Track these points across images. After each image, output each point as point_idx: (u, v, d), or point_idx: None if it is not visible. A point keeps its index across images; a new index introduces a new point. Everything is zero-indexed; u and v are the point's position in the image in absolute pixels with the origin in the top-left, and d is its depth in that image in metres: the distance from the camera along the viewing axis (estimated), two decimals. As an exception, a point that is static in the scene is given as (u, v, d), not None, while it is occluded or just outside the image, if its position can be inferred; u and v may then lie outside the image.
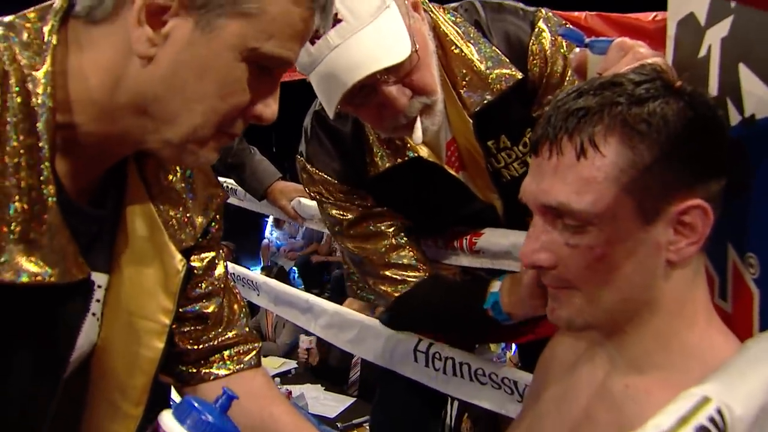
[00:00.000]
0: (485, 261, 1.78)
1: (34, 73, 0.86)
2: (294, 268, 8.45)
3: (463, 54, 1.58)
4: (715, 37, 1.08)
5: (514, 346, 3.70)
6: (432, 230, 1.88)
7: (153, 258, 1.07)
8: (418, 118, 1.46)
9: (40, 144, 0.86)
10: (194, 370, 1.26)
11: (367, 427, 3.88)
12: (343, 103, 1.42)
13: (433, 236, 1.89)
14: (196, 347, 1.24)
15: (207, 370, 1.26)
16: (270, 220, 9.46)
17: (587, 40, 1.18)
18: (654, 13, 2.41)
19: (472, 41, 1.59)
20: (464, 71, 1.58)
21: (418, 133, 1.47)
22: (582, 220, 0.92)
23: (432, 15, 1.60)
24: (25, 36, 0.88)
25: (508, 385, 1.83)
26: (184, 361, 1.25)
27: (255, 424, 1.25)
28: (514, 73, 1.56)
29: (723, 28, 1.05)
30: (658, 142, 0.89)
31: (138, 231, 1.06)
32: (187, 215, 1.13)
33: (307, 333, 4.44)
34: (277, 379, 4.88)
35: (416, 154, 1.62)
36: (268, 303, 2.94)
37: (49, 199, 0.87)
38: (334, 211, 1.73)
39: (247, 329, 1.31)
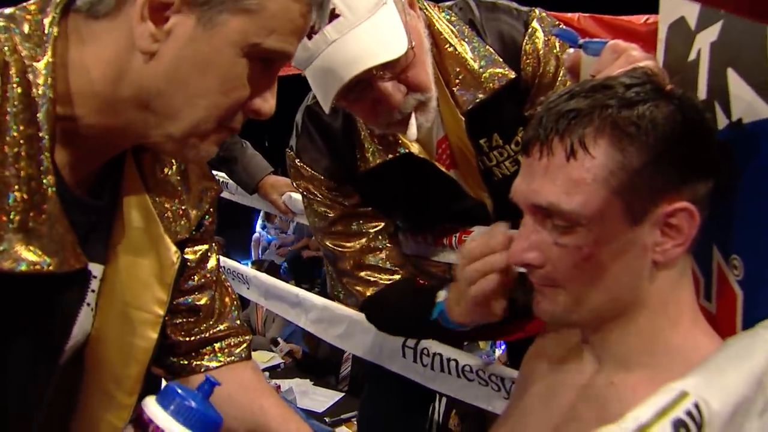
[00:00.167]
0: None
1: (35, 64, 0.87)
2: (284, 263, 8.43)
3: (456, 52, 1.59)
4: (704, 41, 1.09)
5: (503, 343, 3.70)
6: (421, 226, 1.89)
7: (148, 249, 1.08)
8: (413, 115, 1.47)
9: (41, 134, 0.86)
10: (185, 362, 1.27)
11: (355, 422, 3.88)
12: (339, 98, 1.43)
13: (422, 233, 1.90)
14: (187, 339, 1.25)
15: (198, 362, 1.27)
16: (261, 214, 9.43)
17: (581, 41, 1.19)
18: (646, 16, 2.41)
19: (466, 40, 1.60)
20: (457, 69, 1.59)
21: (412, 129, 1.47)
22: (571, 220, 0.94)
23: (427, 13, 1.61)
24: (26, 27, 0.89)
25: (496, 382, 1.84)
26: (176, 353, 1.26)
27: (244, 416, 1.26)
28: (506, 72, 1.57)
29: (712, 32, 1.07)
30: (647, 145, 0.90)
31: (134, 222, 1.07)
32: (182, 208, 1.14)
33: (297, 327, 4.46)
34: (266, 373, 4.88)
35: (407, 150, 1.63)
36: (258, 297, 2.95)
37: (49, 189, 0.88)
38: (318, 208, 1.74)
39: (238, 322, 1.32)
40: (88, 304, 1.05)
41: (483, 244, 1.23)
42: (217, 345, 1.28)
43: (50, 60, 0.88)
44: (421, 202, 1.75)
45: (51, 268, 0.88)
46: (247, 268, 3.19)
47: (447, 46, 1.59)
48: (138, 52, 0.88)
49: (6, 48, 0.86)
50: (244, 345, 1.32)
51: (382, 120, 1.50)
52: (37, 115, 0.86)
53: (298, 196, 2.47)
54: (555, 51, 1.59)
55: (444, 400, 3.27)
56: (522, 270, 1.08)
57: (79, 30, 0.91)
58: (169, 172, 1.13)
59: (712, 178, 0.95)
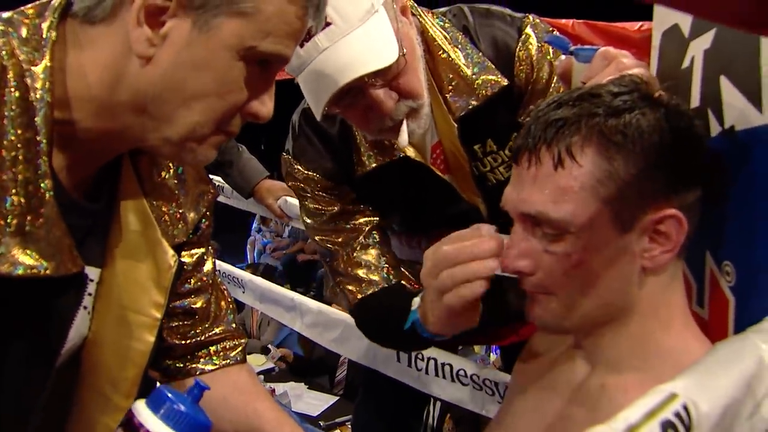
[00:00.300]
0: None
1: (32, 68, 0.87)
2: (279, 265, 8.43)
3: (450, 59, 1.59)
4: (698, 48, 1.10)
5: (497, 348, 3.70)
6: (416, 230, 1.89)
7: (146, 253, 1.08)
8: (404, 121, 1.47)
9: (38, 138, 0.87)
10: (181, 365, 1.27)
11: (350, 426, 3.88)
12: (331, 105, 1.43)
13: (417, 237, 1.90)
14: (183, 342, 1.25)
15: (193, 365, 1.27)
16: (257, 217, 9.43)
17: (572, 47, 1.19)
18: (640, 23, 2.43)
19: (459, 46, 1.60)
20: (451, 76, 1.59)
21: (403, 136, 1.48)
22: (559, 228, 0.95)
23: (420, 19, 1.61)
24: (23, 32, 0.89)
25: (490, 386, 1.85)
26: (172, 356, 1.26)
27: (239, 419, 1.26)
28: (499, 79, 1.57)
29: (706, 40, 1.07)
30: (633, 153, 0.91)
31: (131, 226, 1.07)
32: (180, 211, 1.14)
33: (292, 332, 4.45)
34: (261, 377, 4.87)
35: (404, 154, 1.64)
36: (253, 300, 2.95)
37: (46, 193, 0.88)
38: (312, 205, 1.73)
39: (233, 325, 1.33)
40: (85, 308, 1.05)
41: (462, 250, 1.12)
42: (212, 348, 1.29)
43: (48, 64, 0.88)
44: (417, 206, 1.75)
45: (48, 271, 0.88)
46: (242, 272, 3.19)
47: (440, 52, 1.59)
48: (134, 56, 0.88)
49: (4, 52, 0.86)
50: (240, 348, 1.33)
51: (373, 126, 1.50)
52: (35, 119, 0.86)
53: (293, 201, 2.47)
54: (548, 57, 1.59)
55: (438, 404, 3.28)
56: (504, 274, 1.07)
57: (76, 35, 0.91)
58: (167, 176, 1.13)
59: (701, 186, 0.96)
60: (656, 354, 0.97)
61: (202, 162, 1.00)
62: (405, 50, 1.42)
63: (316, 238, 1.75)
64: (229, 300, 1.34)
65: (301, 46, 1.33)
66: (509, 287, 1.20)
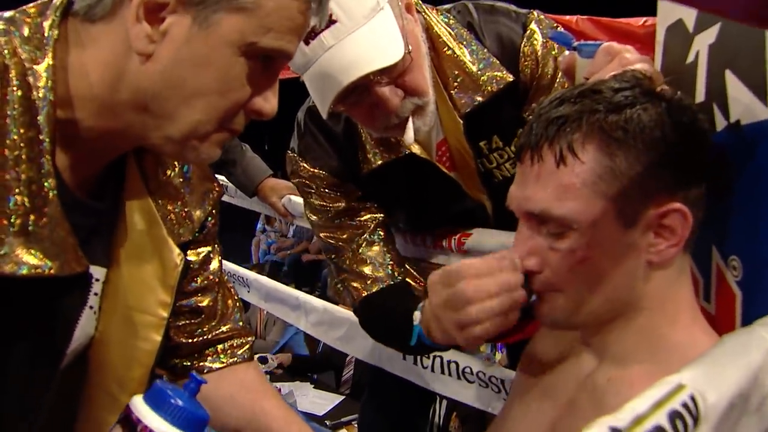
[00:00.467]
0: (473, 261, 1.78)
1: (35, 67, 0.86)
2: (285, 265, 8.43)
3: (455, 55, 1.59)
4: (703, 43, 1.10)
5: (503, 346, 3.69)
6: (422, 228, 1.89)
7: (151, 252, 1.08)
8: (410, 119, 1.47)
9: (41, 137, 0.86)
10: (188, 364, 1.27)
11: (356, 426, 3.88)
12: (337, 103, 1.43)
13: (422, 234, 1.90)
14: (190, 341, 1.25)
15: (201, 364, 1.27)
16: (261, 217, 9.42)
17: (575, 43, 1.19)
18: (644, 18, 2.43)
19: (464, 43, 1.60)
20: (456, 72, 1.59)
21: (409, 133, 1.48)
22: (563, 225, 0.95)
23: (425, 16, 1.61)
24: (25, 30, 0.88)
25: (496, 384, 1.85)
26: (179, 355, 1.26)
27: (246, 417, 1.26)
28: (504, 75, 1.58)
29: (711, 34, 1.07)
30: (635, 149, 0.91)
31: (137, 225, 1.07)
32: (185, 210, 1.14)
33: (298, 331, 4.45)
34: (267, 376, 4.87)
35: (410, 151, 1.64)
36: (258, 300, 2.95)
37: (50, 192, 0.87)
38: (318, 202, 1.73)
39: (240, 323, 1.32)
40: (91, 307, 1.05)
41: (490, 283, 1.07)
42: (219, 346, 1.29)
43: (51, 63, 0.88)
44: (422, 203, 1.76)
45: (52, 271, 0.88)
46: (247, 271, 3.20)
47: (445, 49, 1.59)
48: (135, 54, 0.88)
49: (6, 51, 0.85)
50: (247, 346, 1.33)
51: (379, 124, 1.50)
52: (38, 118, 0.86)
53: (297, 199, 2.47)
54: (553, 53, 1.59)
55: (445, 402, 3.28)
56: None
57: (77, 33, 0.91)
58: (172, 174, 1.13)
59: (705, 180, 0.96)
60: (663, 348, 0.97)
61: (206, 160, 0.99)
62: (410, 47, 1.42)
63: (321, 234, 1.75)
64: (236, 298, 1.34)
65: (307, 44, 1.34)
66: None
